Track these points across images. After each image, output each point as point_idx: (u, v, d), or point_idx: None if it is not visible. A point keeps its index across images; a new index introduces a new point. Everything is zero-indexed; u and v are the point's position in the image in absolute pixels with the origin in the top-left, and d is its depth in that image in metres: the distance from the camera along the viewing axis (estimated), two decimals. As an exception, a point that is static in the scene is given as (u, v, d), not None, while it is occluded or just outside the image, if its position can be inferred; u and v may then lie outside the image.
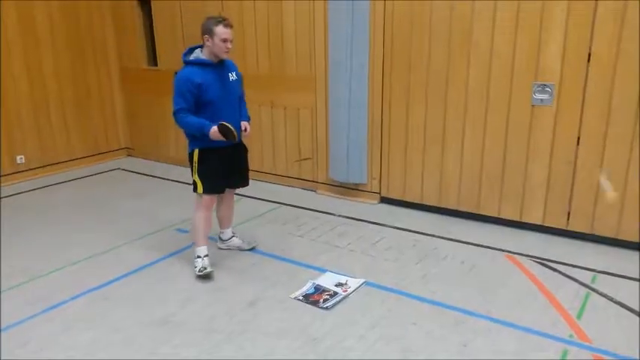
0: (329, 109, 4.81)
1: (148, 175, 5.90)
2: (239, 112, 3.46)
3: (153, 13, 5.87)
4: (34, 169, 5.80)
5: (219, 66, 3.31)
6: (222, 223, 3.77)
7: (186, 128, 3.27)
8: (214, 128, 3.16)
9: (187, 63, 3.28)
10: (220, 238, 3.83)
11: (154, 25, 5.92)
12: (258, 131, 5.38)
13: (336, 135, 4.75)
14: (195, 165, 3.35)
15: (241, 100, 3.53)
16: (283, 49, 4.98)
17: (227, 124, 3.16)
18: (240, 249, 3.80)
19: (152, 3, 5.83)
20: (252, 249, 3.81)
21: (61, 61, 5.89)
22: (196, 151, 3.34)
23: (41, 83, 5.75)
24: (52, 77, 5.84)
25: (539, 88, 3.76)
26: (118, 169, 6.20)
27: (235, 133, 3.17)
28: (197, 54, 3.29)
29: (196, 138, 3.32)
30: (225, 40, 3.20)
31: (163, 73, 5.94)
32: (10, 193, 5.28)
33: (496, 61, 3.89)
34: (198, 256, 3.45)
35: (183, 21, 5.61)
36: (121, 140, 6.67)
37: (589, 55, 3.54)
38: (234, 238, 3.82)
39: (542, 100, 3.77)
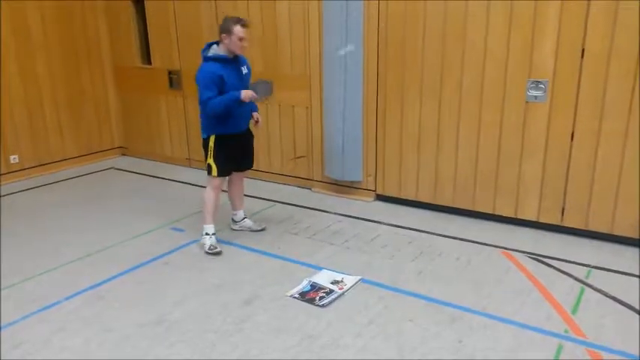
0: (324, 107, 4.80)
1: (142, 174, 5.87)
2: (251, 103, 3.73)
3: (147, 12, 5.84)
4: (28, 168, 5.76)
5: (235, 61, 3.59)
6: (234, 205, 4.08)
7: (219, 108, 3.48)
8: (244, 91, 3.49)
9: (207, 59, 3.54)
10: (233, 220, 4.12)
11: (147, 24, 5.88)
12: (253, 129, 5.36)
13: (332, 133, 4.75)
14: (212, 150, 3.64)
15: None
16: (277, 48, 4.97)
17: (263, 80, 3.63)
18: (252, 230, 4.07)
19: (146, 3, 5.80)
20: (262, 229, 4.08)
21: (54, 60, 5.84)
22: (212, 137, 3.63)
23: (35, 82, 5.70)
24: (46, 76, 5.79)
25: (533, 85, 3.77)
26: (112, 168, 6.17)
27: (271, 84, 3.67)
28: (215, 50, 3.55)
29: (213, 124, 3.60)
30: (241, 39, 3.48)
31: (157, 71, 5.92)
32: (4, 193, 5.24)
33: (490, 58, 3.89)
34: (207, 234, 3.75)
35: (177, 20, 5.59)
36: (114, 139, 6.63)
37: (582, 51, 3.55)
38: (246, 219, 4.11)
39: (536, 96, 3.78)
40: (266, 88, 3.65)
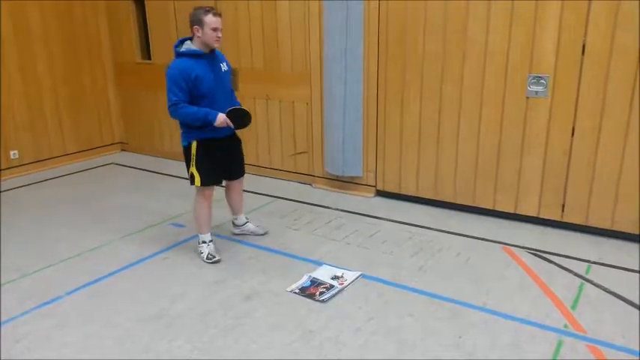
0: (324, 103, 4.80)
1: (142, 170, 5.87)
2: (232, 103, 3.47)
3: (147, 10, 5.84)
4: (28, 164, 5.76)
5: (211, 56, 3.31)
6: (234, 210, 3.86)
7: (187, 119, 3.25)
8: (221, 116, 3.22)
9: (180, 54, 3.26)
10: (234, 224, 3.91)
11: (147, 21, 5.88)
12: (253, 125, 5.34)
13: (332, 128, 4.74)
14: (194, 157, 3.37)
15: (232, 91, 3.58)
16: (278, 46, 4.96)
17: (241, 108, 3.31)
18: (255, 234, 3.90)
19: (146, 3, 5.79)
20: (265, 234, 3.91)
21: (54, 56, 5.84)
22: (194, 144, 3.35)
23: (35, 78, 5.70)
24: (46, 72, 5.79)
25: (534, 80, 3.76)
26: (112, 163, 6.17)
27: (250, 114, 3.35)
28: (188, 45, 3.26)
29: (193, 130, 3.33)
30: (215, 29, 3.19)
31: (157, 67, 5.90)
32: (4, 189, 5.24)
33: (491, 53, 3.88)
34: (204, 242, 3.56)
35: (177, 17, 5.57)
36: (115, 135, 6.63)
37: (583, 46, 3.54)
38: (248, 223, 3.91)
39: (536, 92, 3.77)
40: (244, 119, 3.33)
